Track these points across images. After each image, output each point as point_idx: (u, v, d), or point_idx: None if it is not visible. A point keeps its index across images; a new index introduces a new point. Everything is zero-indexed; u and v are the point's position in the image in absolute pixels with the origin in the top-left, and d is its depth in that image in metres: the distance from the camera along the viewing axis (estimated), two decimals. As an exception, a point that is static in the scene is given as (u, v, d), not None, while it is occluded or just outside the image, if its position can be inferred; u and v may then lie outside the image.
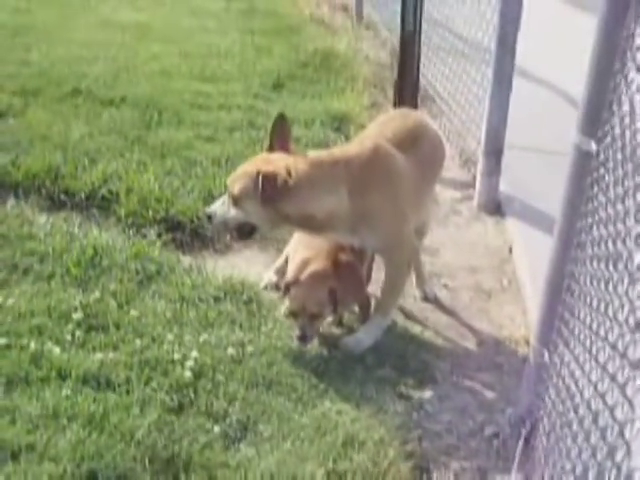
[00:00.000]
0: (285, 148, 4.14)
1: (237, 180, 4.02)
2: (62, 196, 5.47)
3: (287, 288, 4.20)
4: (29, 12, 9.99)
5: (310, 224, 4.07)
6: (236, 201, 4.01)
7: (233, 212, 4.04)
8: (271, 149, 4.17)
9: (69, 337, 3.93)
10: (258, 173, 3.87)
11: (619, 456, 1.84)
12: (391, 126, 4.43)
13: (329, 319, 4.40)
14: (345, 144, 4.58)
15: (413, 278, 4.93)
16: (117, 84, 7.53)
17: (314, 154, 4.28)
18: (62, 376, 3.66)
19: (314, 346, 4.19)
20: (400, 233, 4.23)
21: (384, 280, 4.39)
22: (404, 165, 4.21)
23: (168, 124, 6.72)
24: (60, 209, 5.39)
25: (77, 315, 4.07)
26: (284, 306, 4.40)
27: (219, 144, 6.40)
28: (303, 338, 4.11)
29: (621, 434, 1.87)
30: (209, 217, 4.17)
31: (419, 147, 4.39)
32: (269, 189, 3.85)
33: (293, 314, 4.17)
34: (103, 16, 10.13)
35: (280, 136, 4.16)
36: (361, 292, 4.38)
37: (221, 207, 4.10)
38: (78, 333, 3.97)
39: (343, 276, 4.21)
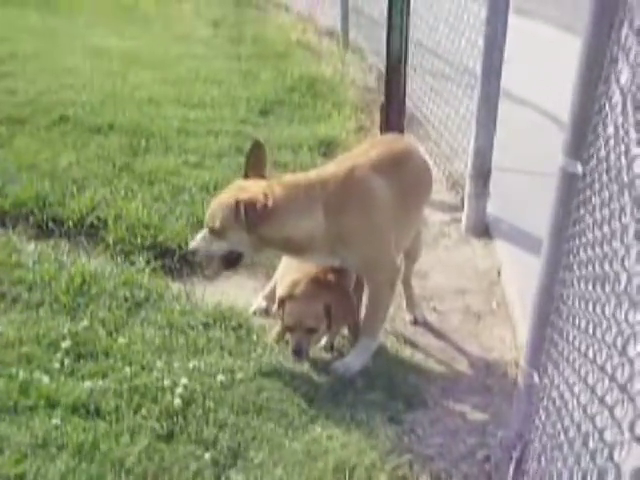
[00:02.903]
0: (260, 175, 4.18)
1: (215, 213, 4.06)
2: (50, 224, 5.47)
3: (282, 303, 4.20)
4: (14, 40, 10.02)
5: (290, 246, 4.11)
6: (218, 233, 4.05)
7: (216, 244, 4.08)
8: (246, 176, 4.21)
9: (58, 365, 3.91)
10: (238, 202, 3.91)
11: (610, 479, 1.84)
12: (376, 150, 4.44)
13: (322, 342, 4.40)
14: (324, 165, 4.59)
15: (403, 302, 4.94)
16: (104, 111, 7.55)
17: (290, 177, 4.31)
18: (51, 405, 3.63)
19: (304, 371, 4.18)
20: (379, 254, 4.24)
21: (367, 302, 4.40)
22: (382, 188, 4.21)
23: (156, 151, 6.74)
24: (48, 237, 5.39)
25: (66, 343, 4.05)
26: (274, 331, 4.40)
27: (207, 170, 6.42)
28: (299, 352, 4.13)
29: (611, 457, 1.87)
30: (192, 253, 4.23)
31: (403, 172, 4.40)
32: (251, 215, 3.89)
33: (289, 328, 4.18)
34: (90, 44, 10.17)
35: (255, 163, 4.19)
36: (352, 312, 4.38)
37: (202, 242, 4.13)
38: (67, 361, 3.95)
39: (335, 294, 4.24)
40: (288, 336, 4.23)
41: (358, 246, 4.15)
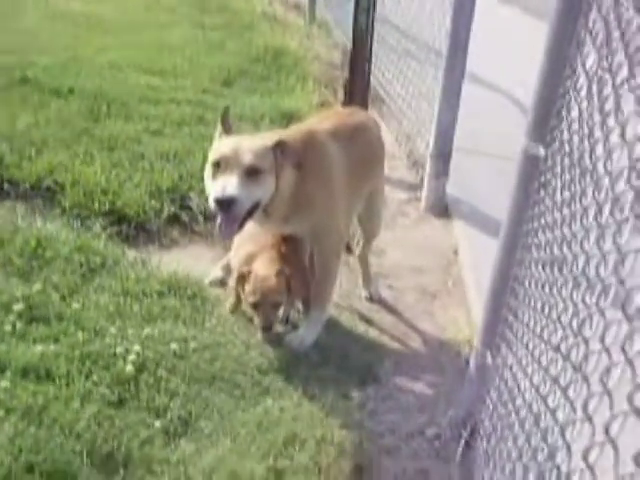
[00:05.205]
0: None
1: (257, 153, 3.74)
2: (6, 186, 5.39)
3: (242, 279, 4.19)
4: (-24, 0, 9.87)
5: (270, 202, 3.91)
6: (257, 177, 3.72)
7: (253, 191, 3.72)
8: (228, 132, 3.98)
9: (9, 328, 3.85)
10: (281, 141, 3.86)
11: (559, 457, 1.86)
12: (332, 119, 4.47)
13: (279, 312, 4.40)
14: (281, 129, 4.56)
15: (359, 278, 4.95)
16: (66, 75, 7.45)
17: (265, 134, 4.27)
18: (1, 367, 3.58)
19: (258, 343, 4.17)
20: (329, 220, 4.23)
21: (317, 272, 4.39)
22: (339, 155, 4.24)
23: (116, 116, 6.67)
24: (4, 199, 5.31)
25: (18, 306, 3.99)
26: (229, 301, 4.38)
27: (167, 138, 6.36)
28: (268, 328, 4.15)
29: (562, 435, 1.88)
30: (227, 203, 3.62)
31: (357, 144, 4.42)
32: (291, 155, 3.88)
33: (254, 305, 4.16)
34: (54, 7, 10.05)
35: (229, 127, 4.05)
36: (307, 285, 4.38)
37: (241, 188, 3.65)
38: (19, 324, 3.90)
39: (292, 267, 4.25)
40: (251, 312, 4.21)
41: (311, 210, 4.13)
